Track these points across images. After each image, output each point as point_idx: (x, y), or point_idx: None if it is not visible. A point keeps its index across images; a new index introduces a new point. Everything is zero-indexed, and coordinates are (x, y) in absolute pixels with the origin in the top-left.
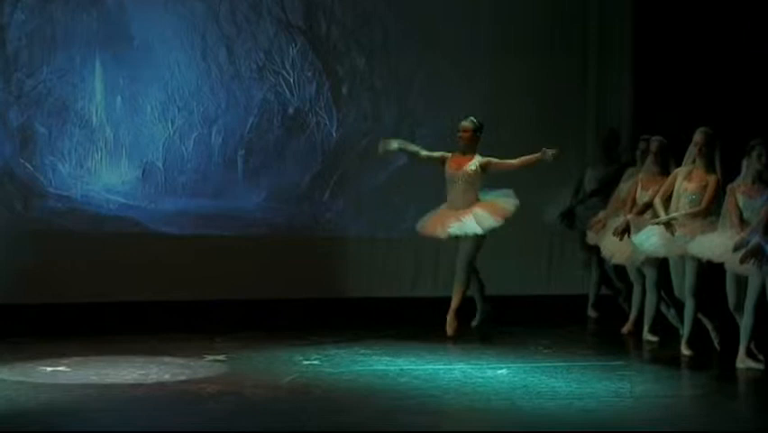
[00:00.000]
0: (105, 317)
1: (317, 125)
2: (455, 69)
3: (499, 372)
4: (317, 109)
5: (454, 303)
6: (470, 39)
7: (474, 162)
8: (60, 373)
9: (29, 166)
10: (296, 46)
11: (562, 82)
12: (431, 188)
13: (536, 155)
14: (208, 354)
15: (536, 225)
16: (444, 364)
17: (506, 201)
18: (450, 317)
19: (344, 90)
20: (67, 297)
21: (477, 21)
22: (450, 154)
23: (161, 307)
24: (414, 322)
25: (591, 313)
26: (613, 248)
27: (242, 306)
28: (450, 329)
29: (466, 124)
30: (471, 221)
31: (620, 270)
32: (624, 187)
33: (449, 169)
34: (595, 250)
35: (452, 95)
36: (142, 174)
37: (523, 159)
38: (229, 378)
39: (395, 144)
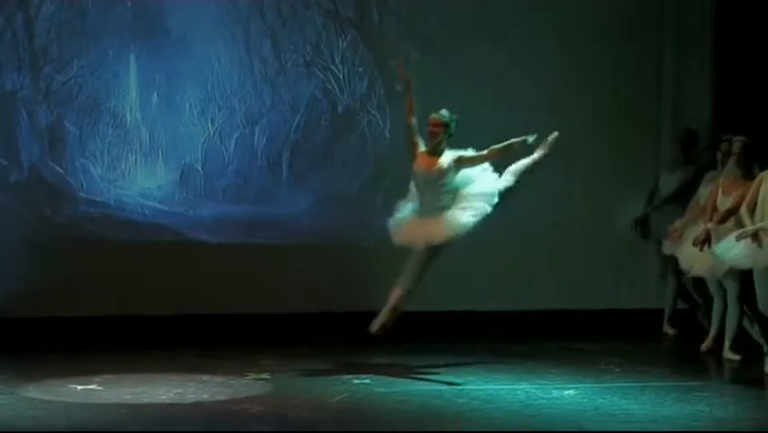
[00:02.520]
0: (139, 332)
1: (369, 125)
2: (519, 63)
3: (566, 392)
4: (369, 107)
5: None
6: (535, 31)
7: (445, 160)
8: (92, 392)
9: (58, 168)
10: (346, 39)
11: (637, 79)
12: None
13: (504, 144)
14: (250, 371)
15: (607, 234)
16: (506, 384)
17: (471, 210)
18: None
19: (398, 87)
20: (99, 309)
21: (543, 12)
22: (422, 148)
23: (200, 321)
24: (472, 338)
25: (667, 329)
26: (692, 259)
27: (287, 320)
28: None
29: (436, 117)
30: (445, 226)
31: (699, 282)
32: (703, 192)
33: (418, 168)
34: (671, 260)
35: (516, 91)
36: (180, 178)
37: (492, 149)
38: (273, 398)
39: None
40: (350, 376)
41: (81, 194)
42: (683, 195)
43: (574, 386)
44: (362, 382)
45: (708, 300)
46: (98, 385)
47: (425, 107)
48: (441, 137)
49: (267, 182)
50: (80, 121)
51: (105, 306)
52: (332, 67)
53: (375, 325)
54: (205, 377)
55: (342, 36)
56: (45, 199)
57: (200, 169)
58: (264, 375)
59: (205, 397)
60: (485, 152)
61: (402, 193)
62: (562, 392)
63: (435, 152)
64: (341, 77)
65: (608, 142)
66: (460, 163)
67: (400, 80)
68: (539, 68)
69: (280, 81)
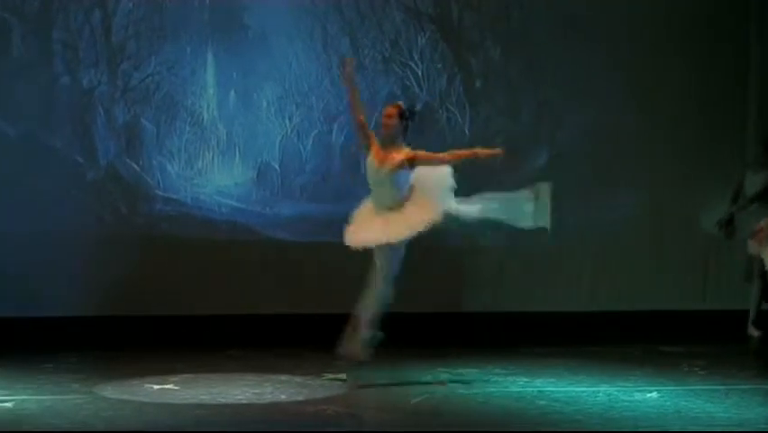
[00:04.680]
0: (216, 331)
1: (448, 122)
2: (602, 61)
3: (649, 395)
4: (448, 104)
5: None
6: (618, 28)
7: (399, 156)
8: (168, 392)
9: (135, 166)
10: (425, 35)
11: (722, 79)
12: (575, 194)
13: (468, 151)
14: (328, 372)
15: (691, 234)
16: (587, 386)
17: (431, 207)
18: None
19: (478, 84)
20: (175, 308)
21: (626, 8)
22: (376, 142)
23: (277, 320)
24: (553, 339)
25: (752, 331)
26: None
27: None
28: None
29: (390, 108)
30: (399, 226)
31: None
32: None
33: (369, 163)
34: (757, 261)
35: (598, 90)
36: (257, 176)
37: (455, 152)
38: (350, 399)
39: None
40: (428, 378)
41: (158, 192)
42: None
43: (657, 388)
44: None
45: None
46: (175, 385)
47: (506, 105)
48: (395, 129)
49: (344, 180)
50: (157, 118)
51: (182, 304)
52: (410, 63)
53: (352, 352)
54: (283, 377)
55: (422, 32)
56: (121, 197)
57: (277, 167)
58: (341, 376)
59: (283, 397)
60: (445, 153)
61: (482, 191)
62: (645, 395)
63: (390, 147)
64: (419, 73)
65: (693, 142)
66: (414, 160)
67: (345, 79)
68: (623, 67)
69: (358, 78)
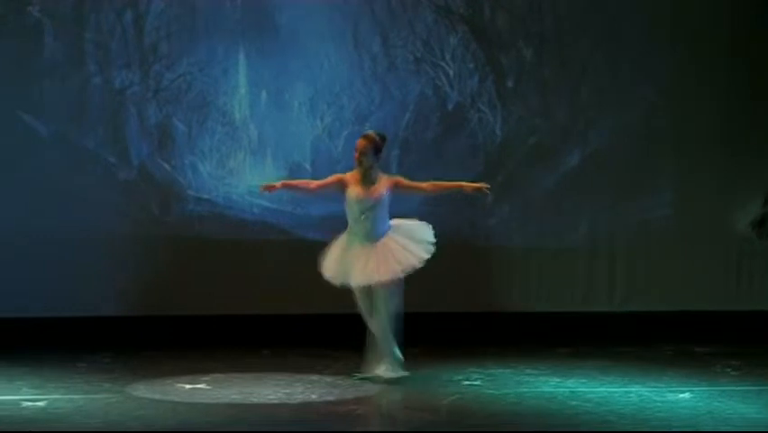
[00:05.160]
0: (248, 331)
1: (480, 122)
2: (634, 61)
3: (681, 396)
4: (480, 105)
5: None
6: (650, 28)
7: (383, 185)
8: (200, 391)
9: (167, 166)
10: (456, 35)
11: (752, 79)
12: (605, 194)
13: (452, 184)
14: (358, 372)
15: (724, 234)
16: (620, 387)
17: (418, 247)
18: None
19: (510, 84)
20: (207, 308)
21: (657, 11)
22: (347, 175)
23: (309, 320)
24: (586, 339)
25: None
26: None
27: (396, 319)
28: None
29: (361, 141)
30: (388, 263)
31: None
32: None
33: (352, 196)
34: None
35: (630, 90)
36: (288, 175)
37: (437, 184)
38: (380, 399)
39: (277, 185)
40: (460, 378)
41: (189, 192)
42: None
43: (689, 389)
44: (472, 384)
45: None
46: (206, 385)
47: (539, 105)
48: (369, 161)
49: None
50: (189, 118)
51: (214, 304)
52: (442, 63)
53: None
54: (313, 377)
55: (454, 32)
56: (153, 197)
57: (308, 167)
58: (371, 376)
59: (314, 397)
60: (426, 183)
61: (513, 192)
62: (677, 395)
63: (369, 178)
64: (451, 73)
65: (726, 142)
66: (397, 186)
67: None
68: (654, 68)
69: (390, 78)
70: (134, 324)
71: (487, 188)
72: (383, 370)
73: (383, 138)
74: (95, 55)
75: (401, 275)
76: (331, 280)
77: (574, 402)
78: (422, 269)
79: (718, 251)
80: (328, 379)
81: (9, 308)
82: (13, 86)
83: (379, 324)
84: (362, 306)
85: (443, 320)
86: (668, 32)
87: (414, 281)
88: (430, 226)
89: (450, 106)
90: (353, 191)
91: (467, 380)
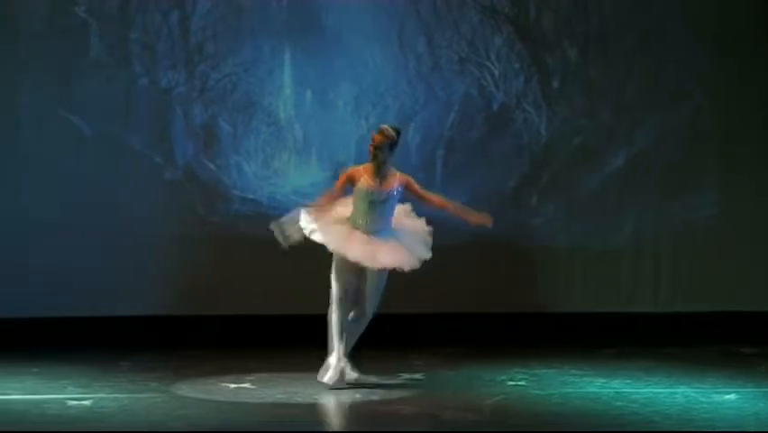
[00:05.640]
0: (293, 330)
1: (525, 122)
2: (680, 61)
3: (727, 396)
4: (525, 105)
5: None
6: (696, 29)
7: (397, 180)
8: (244, 391)
9: (212, 166)
10: (502, 35)
11: None
12: (650, 194)
13: (460, 208)
14: (404, 372)
15: None
16: (665, 387)
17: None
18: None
19: (555, 84)
20: (252, 307)
21: (704, 8)
22: (359, 168)
23: None
24: (630, 340)
25: None
26: None
27: (440, 319)
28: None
29: (378, 136)
30: (404, 252)
31: None
32: None
33: (369, 186)
34: None
35: (676, 90)
36: (333, 175)
37: (444, 201)
38: (426, 399)
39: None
40: (504, 378)
41: (234, 192)
42: None
43: (735, 390)
44: (517, 385)
45: None
46: (251, 384)
47: (584, 106)
48: (385, 155)
49: (421, 180)
50: (234, 118)
51: (259, 304)
52: (487, 63)
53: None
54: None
55: (499, 32)
56: (199, 197)
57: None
58: (417, 376)
59: (358, 397)
60: (434, 196)
61: (557, 192)
62: (723, 396)
63: (383, 171)
64: (496, 73)
65: None
66: (408, 188)
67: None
68: (701, 67)
69: (435, 78)
70: (179, 323)
71: (490, 221)
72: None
73: (398, 132)
74: (140, 55)
75: (406, 268)
76: (326, 245)
77: (619, 403)
78: (466, 269)
79: (763, 251)
80: (374, 378)
81: (54, 308)
82: (60, 86)
83: (367, 314)
84: (349, 288)
85: (486, 321)
86: (713, 32)
87: (458, 282)
88: (429, 234)
89: (495, 107)
90: (365, 183)
91: (511, 380)
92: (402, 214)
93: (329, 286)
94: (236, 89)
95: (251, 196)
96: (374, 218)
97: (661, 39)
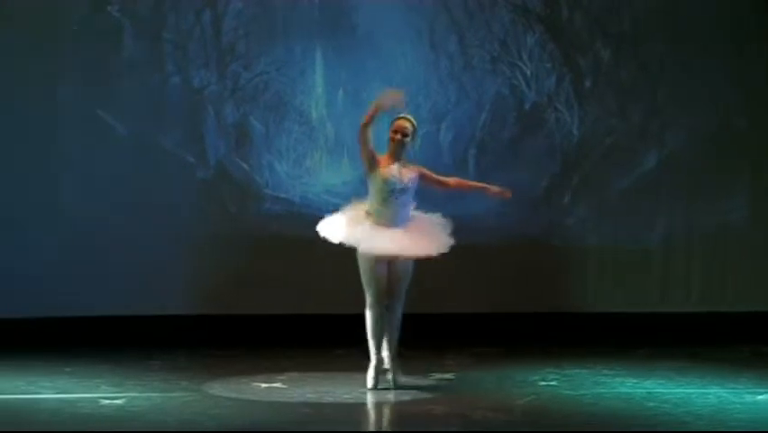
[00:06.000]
0: (324, 330)
1: (557, 122)
2: (712, 61)
3: (760, 397)
4: (557, 104)
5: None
6: (729, 29)
7: (414, 171)
8: (275, 390)
9: (244, 165)
10: (534, 35)
11: None
12: (682, 194)
13: (478, 184)
14: (435, 371)
15: None
16: (697, 388)
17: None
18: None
19: (587, 84)
20: (283, 307)
21: (737, 9)
22: (381, 157)
23: None
24: (663, 340)
25: None
26: None
27: (471, 319)
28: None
29: (407, 124)
30: (429, 241)
31: None
32: None
33: (390, 175)
34: None
35: (709, 92)
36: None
37: (461, 181)
38: (457, 399)
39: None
40: (536, 378)
41: (266, 191)
42: None
43: (767, 391)
44: (549, 385)
45: None
46: (282, 384)
47: (616, 106)
48: (409, 145)
49: None
50: (266, 118)
51: (290, 303)
52: (519, 63)
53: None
54: (388, 376)
55: (531, 32)
56: (230, 196)
57: None
58: (449, 376)
59: (390, 397)
60: (451, 178)
61: (589, 192)
62: (755, 397)
63: (402, 161)
64: (528, 73)
65: None
66: (422, 177)
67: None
68: (733, 68)
69: (466, 78)
70: (211, 322)
71: (508, 194)
72: (399, 372)
73: (416, 127)
74: (173, 55)
75: (434, 254)
76: (346, 242)
77: (651, 403)
78: (498, 269)
79: None
80: (404, 378)
81: (89, 307)
82: (93, 85)
83: (400, 308)
84: (381, 286)
85: (519, 320)
86: (746, 33)
87: (490, 282)
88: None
89: (527, 106)
90: (387, 171)
91: (543, 380)
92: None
93: (362, 288)
94: (268, 89)
95: (282, 195)
96: (396, 210)
97: (693, 40)
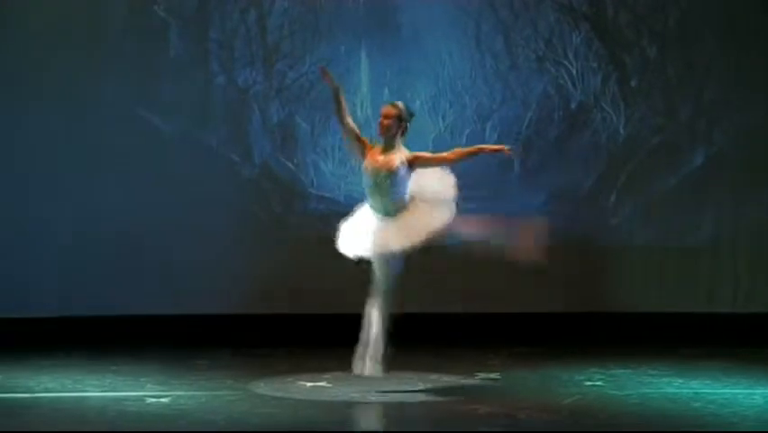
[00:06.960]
0: None
1: (603, 121)
2: (759, 60)
3: None
4: (603, 104)
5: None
6: None
7: (398, 157)
8: (321, 390)
9: (289, 165)
10: (579, 33)
11: None
12: (729, 193)
13: (473, 148)
14: (480, 371)
15: None
16: (744, 388)
17: (435, 216)
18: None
19: (633, 83)
20: (328, 306)
21: None
22: (370, 144)
23: (425, 319)
24: (709, 340)
25: None
26: None
27: (517, 319)
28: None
29: (387, 106)
30: (395, 237)
31: None
32: None
33: (367, 164)
34: None
35: (755, 89)
36: None
37: (458, 151)
38: (502, 399)
39: (331, 80)
40: (581, 378)
41: (311, 190)
42: None
43: None
44: (594, 385)
45: None
46: (327, 382)
47: (663, 105)
48: (393, 130)
49: (498, 179)
50: (311, 117)
51: (335, 303)
52: (564, 62)
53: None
54: (434, 376)
55: (576, 31)
56: (276, 196)
57: None
58: (494, 375)
59: (434, 397)
60: (447, 152)
61: (635, 191)
62: None
63: (388, 149)
64: (574, 72)
65: None
66: (415, 162)
67: (330, 85)
68: None
69: (512, 77)
70: (256, 321)
71: (508, 149)
72: (369, 367)
73: (411, 114)
74: (218, 54)
75: (417, 243)
76: (346, 253)
77: (697, 404)
78: (543, 269)
79: None
80: (449, 378)
81: (135, 306)
82: (138, 84)
83: (378, 307)
84: (373, 278)
85: (564, 320)
86: None
87: (535, 282)
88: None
89: (573, 105)
90: (369, 159)
91: (589, 380)
92: (432, 180)
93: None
94: (313, 88)
95: (327, 194)
96: (379, 199)
97: (740, 37)
